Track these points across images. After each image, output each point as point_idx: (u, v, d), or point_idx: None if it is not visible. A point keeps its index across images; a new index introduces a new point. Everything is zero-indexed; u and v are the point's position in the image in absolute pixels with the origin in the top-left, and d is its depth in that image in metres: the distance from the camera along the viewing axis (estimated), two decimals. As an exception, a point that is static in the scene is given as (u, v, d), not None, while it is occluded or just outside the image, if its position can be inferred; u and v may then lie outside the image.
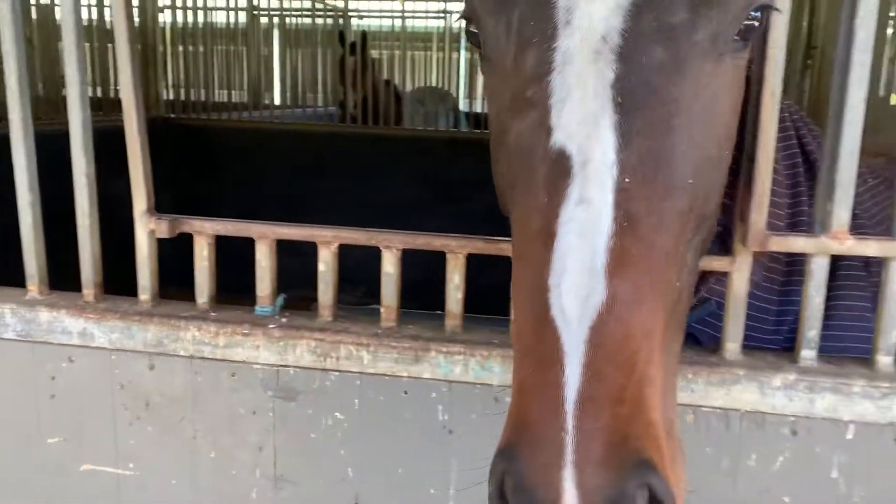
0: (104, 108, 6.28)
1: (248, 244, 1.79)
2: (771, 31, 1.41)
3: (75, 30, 1.76)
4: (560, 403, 0.90)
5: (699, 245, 1.16)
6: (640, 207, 0.97)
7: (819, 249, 1.52)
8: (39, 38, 5.93)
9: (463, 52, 9.82)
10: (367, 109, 7.41)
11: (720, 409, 1.58)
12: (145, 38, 7.23)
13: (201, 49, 7.56)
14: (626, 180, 0.97)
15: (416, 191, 5.76)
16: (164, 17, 7.51)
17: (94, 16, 6.62)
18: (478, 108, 9.31)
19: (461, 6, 1.27)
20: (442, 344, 1.67)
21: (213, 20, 7.78)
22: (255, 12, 8.17)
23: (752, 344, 1.70)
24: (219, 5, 7.84)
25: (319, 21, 8.28)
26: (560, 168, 1.00)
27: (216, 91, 7.81)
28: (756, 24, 1.10)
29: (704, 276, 1.70)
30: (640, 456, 0.88)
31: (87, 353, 1.83)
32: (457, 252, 1.68)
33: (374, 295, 1.78)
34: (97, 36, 6.71)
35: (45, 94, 5.80)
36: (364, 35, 8.02)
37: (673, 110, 1.01)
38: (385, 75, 8.76)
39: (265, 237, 1.77)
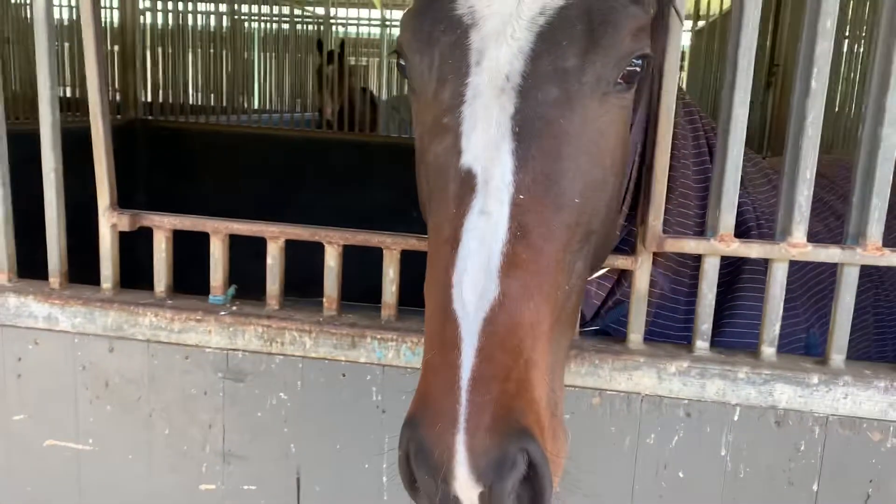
0: (82, 109, 6.41)
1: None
2: (666, 56, 1.60)
3: (47, 31, 1.91)
4: (456, 381, 1.06)
5: (589, 254, 1.33)
6: (531, 220, 1.15)
7: (709, 251, 1.71)
8: (17, 38, 6.02)
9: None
10: (343, 116, 7.57)
11: (623, 392, 1.77)
12: (125, 39, 7.37)
13: (181, 52, 7.69)
14: (521, 197, 1.16)
15: (392, 197, 5.90)
16: (146, 19, 7.64)
17: (75, 16, 6.72)
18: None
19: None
20: (377, 331, 1.84)
21: (195, 23, 7.92)
22: (236, 16, 8.31)
23: (663, 340, 1.89)
24: (200, 9, 7.95)
25: (300, 27, 8.42)
26: (467, 185, 1.18)
27: (196, 94, 7.94)
28: (638, 69, 1.29)
29: (620, 280, 1.89)
30: (520, 425, 1.04)
31: (52, 337, 1.98)
32: (392, 248, 1.85)
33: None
34: (77, 36, 6.81)
35: (23, 93, 5.90)
36: (342, 44, 8.18)
37: (563, 140, 1.20)
38: (365, 83, 8.91)
39: (218, 232, 1.93)
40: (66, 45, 6.93)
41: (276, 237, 1.91)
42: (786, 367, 1.71)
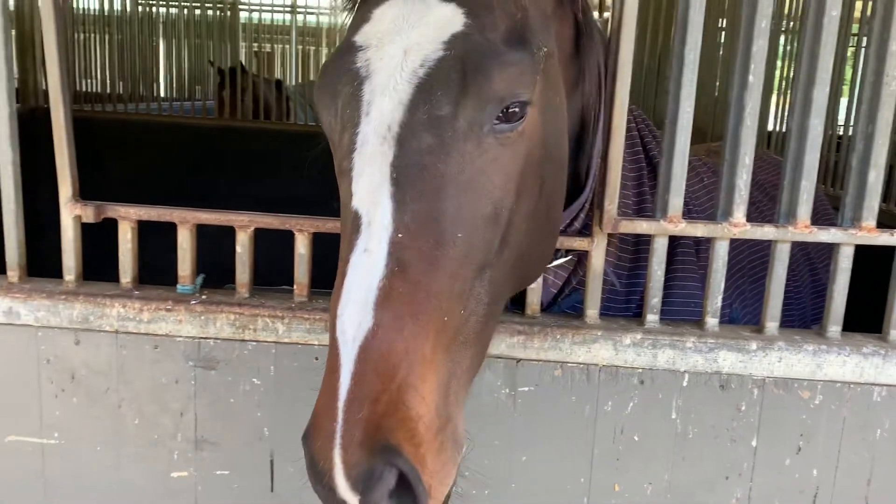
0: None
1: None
2: (619, 54, 1.74)
3: (3, 22, 1.87)
4: (335, 402, 1.18)
5: (505, 275, 1.42)
6: (409, 256, 1.25)
7: (659, 231, 1.86)
8: None
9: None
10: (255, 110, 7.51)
11: (582, 364, 1.90)
12: (22, 24, 7.02)
13: (82, 37, 7.38)
14: (400, 236, 1.26)
15: (307, 185, 5.86)
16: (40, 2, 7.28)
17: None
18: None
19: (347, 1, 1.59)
20: (349, 315, 1.90)
21: (94, 7, 7.61)
22: (140, 1, 8.04)
23: (607, 314, 2.04)
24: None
25: (210, 13, 8.22)
26: (355, 225, 1.29)
27: (100, 82, 7.66)
28: (518, 110, 1.35)
29: (576, 269, 2.03)
30: (388, 443, 1.15)
31: (13, 331, 1.95)
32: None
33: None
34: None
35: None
36: (237, 69, 7.99)
37: (439, 182, 1.29)
38: (272, 72, 8.78)
39: (186, 222, 1.95)
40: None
41: (245, 226, 1.94)
42: (728, 336, 1.89)
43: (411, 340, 1.21)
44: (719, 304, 1.92)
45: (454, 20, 1.34)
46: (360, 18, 1.44)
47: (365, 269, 1.24)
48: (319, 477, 1.19)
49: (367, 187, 1.29)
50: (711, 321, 1.92)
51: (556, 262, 1.95)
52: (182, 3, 8.62)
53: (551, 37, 1.55)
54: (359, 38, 1.40)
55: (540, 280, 1.93)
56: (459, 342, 1.31)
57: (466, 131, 1.31)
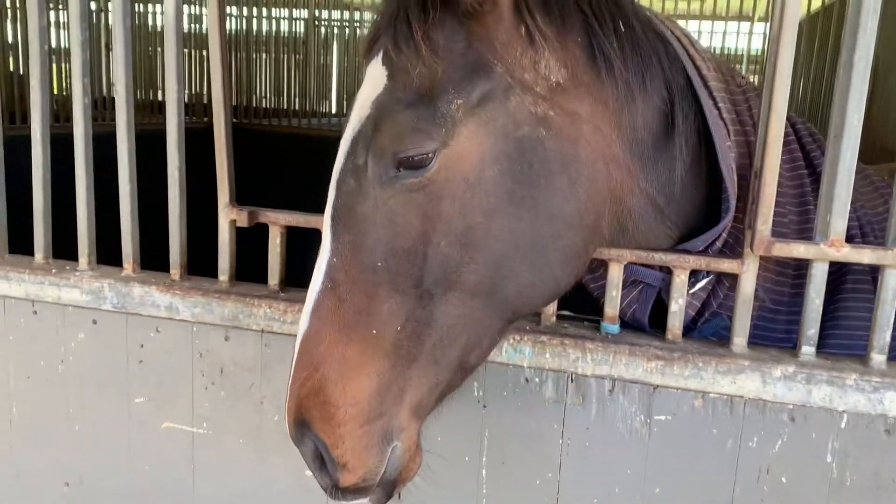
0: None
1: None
2: (778, 61, 1.61)
3: (176, 39, 2.04)
4: (288, 381, 1.56)
5: (468, 305, 1.54)
6: (339, 277, 1.51)
7: (818, 256, 1.70)
8: (139, 46, 6.35)
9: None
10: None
11: (726, 395, 1.77)
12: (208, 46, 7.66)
13: (264, 56, 7.93)
14: (334, 260, 1.52)
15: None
16: (208, 27, 7.89)
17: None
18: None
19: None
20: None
21: (282, 29, 8.16)
22: (314, 21, 8.51)
23: (761, 343, 1.90)
24: (272, 14, 8.18)
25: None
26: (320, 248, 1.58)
27: (279, 98, 8.19)
28: (421, 157, 1.48)
29: (716, 291, 1.91)
30: (303, 416, 1.51)
31: (172, 325, 2.11)
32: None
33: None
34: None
35: (142, 99, 6.23)
36: None
37: (360, 219, 1.51)
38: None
39: (329, 229, 2.02)
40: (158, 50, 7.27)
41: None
42: (897, 376, 1.69)
43: (333, 344, 1.48)
44: (888, 339, 1.72)
45: (380, 83, 1.54)
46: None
47: (313, 283, 1.53)
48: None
49: (325, 218, 1.57)
50: (878, 357, 1.73)
51: (697, 286, 1.85)
52: (355, 24, 9.09)
53: (525, 76, 1.55)
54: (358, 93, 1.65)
55: (682, 302, 1.83)
56: (403, 354, 1.50)
57: (374, 179, 1.51)
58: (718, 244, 1.81)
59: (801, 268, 1.95)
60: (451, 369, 1.58)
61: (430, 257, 1.50)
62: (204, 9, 7.65)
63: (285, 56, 8.39)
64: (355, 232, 1.51)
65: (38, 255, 2.29)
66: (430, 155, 1.48)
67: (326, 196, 1.58)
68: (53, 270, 2.21)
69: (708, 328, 1.96)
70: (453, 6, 1.50)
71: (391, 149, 1.49)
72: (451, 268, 1.51)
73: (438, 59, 1.50)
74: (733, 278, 1.90)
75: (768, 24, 8.20)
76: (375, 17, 1.68)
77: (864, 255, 1.69)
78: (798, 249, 1.71)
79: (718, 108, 1.83)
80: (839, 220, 1.67)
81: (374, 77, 1.56)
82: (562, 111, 1.57)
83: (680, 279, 1.82)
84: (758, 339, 1.93)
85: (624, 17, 1.71)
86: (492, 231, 1.52)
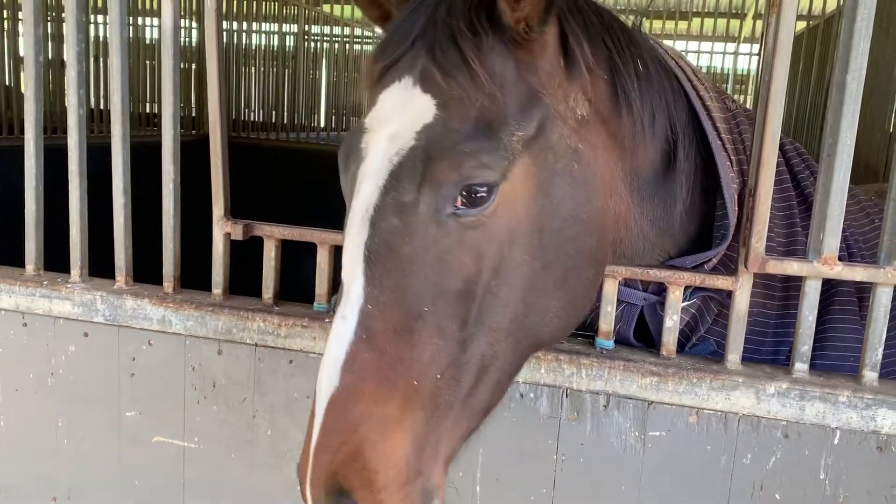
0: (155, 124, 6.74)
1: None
2: (772, 83, 1.64)
3: (172, 51, 2.04)
4: (309, 446, 1.36)
5: (495, 344, 1.45)
6: (378, 325, 1.36)
7: (812, 273, 1.72)
8: (132, 59, 6.38)
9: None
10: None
11: (720, 411, 1.78)
12: (203, 60, 7.67)
13: (252, 70, 7.92)
14: (370, 307, 1.36)
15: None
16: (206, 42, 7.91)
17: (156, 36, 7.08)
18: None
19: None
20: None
21: (271, 43, 8.16)
22: (306, 36, 8.54)
23: (752, 358, 1.91)
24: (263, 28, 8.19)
25: (369, 48, 8.61)
26: (341, 291, 1.42)
27: (267, 112, 8.19)
28: (483, 194, 1.39)
29: (703, 313, 1.92)
30: (340, 485, 1.32)
31: (165, 338, 2.09)
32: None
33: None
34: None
35: (134, 110, 6.24)
36: None
37: (405, 261, 1.38)
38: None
39: (325, 242, 2.02)
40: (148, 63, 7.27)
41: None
42: (889, 393, 1.71)
43: (372, 402, 1.33)
44: (879, 356, 1.74)
45: (427, 111, 1.42)
46: (372, 100, 1.54)
47: (340, 334, 1.36)
48: (306, 500, 1.39)
49: (349, 260, 1.41)
50: (869, 375, 1.75)
51: (683, 304, 1.86)
52: (344, 39, 9.12)
53: (560, 107, 1.51)
54: (367, 120, 1.52)
55: (677, 319, 1.84)
56: (441, 404, 1.39)
57: (427, 216, 1.39)
58: (708, 267, 1.84)
59: (788, 287, 1.97)
60: (482, 414, 1.50)
61: (478, 297, 1.42)
62: (194, 23, 7.64)
63: (275, 70, 8.41)
64: (399, 275, 1.37)
65: (30, 267, 2.27)
66: (492, 190, 1.41)
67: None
68: (45, 282, 2.19)
69: (695, 353, 1.97)
70: (500, 31, 1.44)
71: (452, 181, 1.38)
72: (496, 307, 1.44)
73: (497, 88, 1.43)
74: (720, 303, 1.92)
75: (753, 45, 8.32)
76: (387, 37, 1.56)
77: (857, 273, 1.71)
78: (792, 267, 1.73)
79: (722, 140, 1.85)
80: (832, 238, 1.69)
81: (412, 105, 1.45)
82: (588, 144, 1.56)
83: (675, 295, 1.83)
84: (746, 356, 1.94)
85: (641, 55, 1.71)
86: (534, 268, 1.48)
